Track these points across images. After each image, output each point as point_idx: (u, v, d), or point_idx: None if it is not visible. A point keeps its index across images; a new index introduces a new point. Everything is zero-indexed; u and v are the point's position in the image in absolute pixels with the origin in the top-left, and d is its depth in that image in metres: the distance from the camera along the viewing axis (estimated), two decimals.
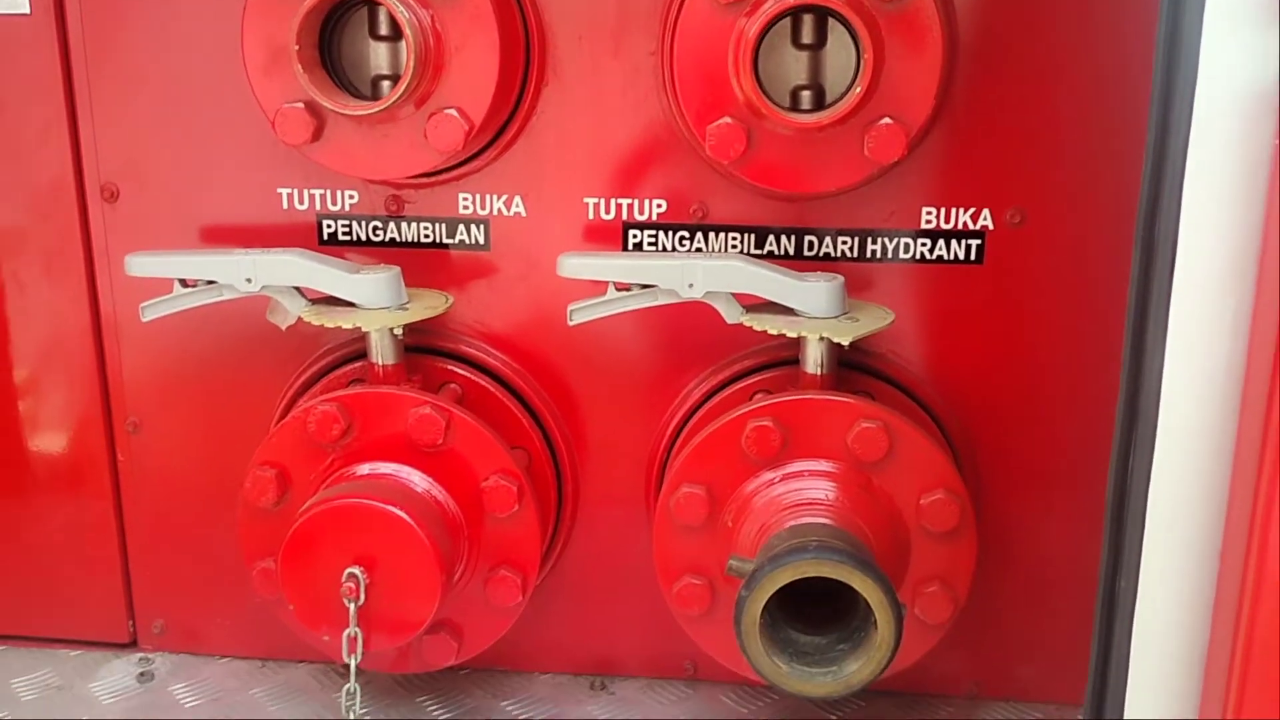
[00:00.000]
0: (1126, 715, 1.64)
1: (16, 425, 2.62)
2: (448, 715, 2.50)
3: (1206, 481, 1.51)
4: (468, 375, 2.43)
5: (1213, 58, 1.26)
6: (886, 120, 2.04)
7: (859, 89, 1.97)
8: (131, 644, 2.74)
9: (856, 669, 1.97)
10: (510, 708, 2.53)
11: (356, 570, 2.13)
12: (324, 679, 2.63)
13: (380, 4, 2.04)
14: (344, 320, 2.22)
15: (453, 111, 2.11)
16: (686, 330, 2.41)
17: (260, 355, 2.51)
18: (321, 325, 2.24)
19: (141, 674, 2.65)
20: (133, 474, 2.62)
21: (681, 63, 2.10)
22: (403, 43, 2.16)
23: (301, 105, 2.13)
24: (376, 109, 2.05)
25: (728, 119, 2.08)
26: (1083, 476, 2.41)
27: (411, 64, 2.03)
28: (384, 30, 2.18)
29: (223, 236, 2.45)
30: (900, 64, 2.01)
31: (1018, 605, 2.49)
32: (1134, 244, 1.43)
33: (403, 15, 2.00)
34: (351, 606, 2.14)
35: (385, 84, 2.21)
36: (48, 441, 2.62)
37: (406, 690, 2.56)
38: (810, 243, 2.35)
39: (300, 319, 2.33)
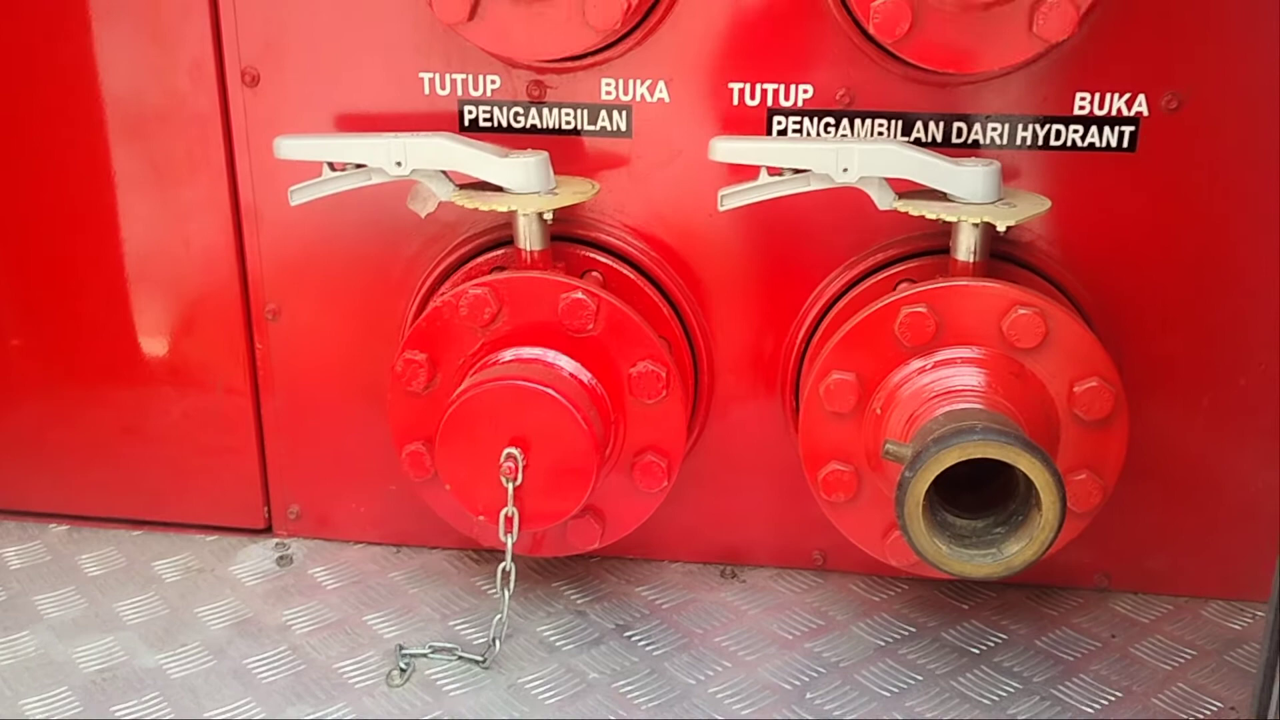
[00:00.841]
0: None
1: (157, 312, 2.65)
2: (584, 599, 2.55)
3: None
4: (608, 263, 2.43)
5: None
6: None
7: None
8: (266, 530, 2.80)
9: (1018, 550, 1.99)
10: (645, 593, 2.57)
11: (515, 451, 2.15)
12: (459, 563, 2.68)
13: None
14: (497, 204, 2.22)
15: None
16: (825, 221, 2.40)
17: (399, 242, 2.52)
18: (475, 208, 2.23)
19: (280, 558, 2.70)
20: (270, 361, 2.65)
21: None
22: None
23: None
24: None
25: None
26: (1228, 378, 2.40)
27: None
28: None
29: (363, 123, 2.45)
30: None
31: (1150, 499, 2.48)
32: None
33: None
34: (509, 486, 2.17)
35: None
36: (187, 328, 2.65)
37: (541, 575, 2.61)
38: (959, 129, 2.32)
39: (439, 206, 2.33)
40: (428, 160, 2.26)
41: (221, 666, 2.32)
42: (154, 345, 2.68)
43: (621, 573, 2.64)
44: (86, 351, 2.71)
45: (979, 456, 1.93)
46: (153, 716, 2.17)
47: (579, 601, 2.55)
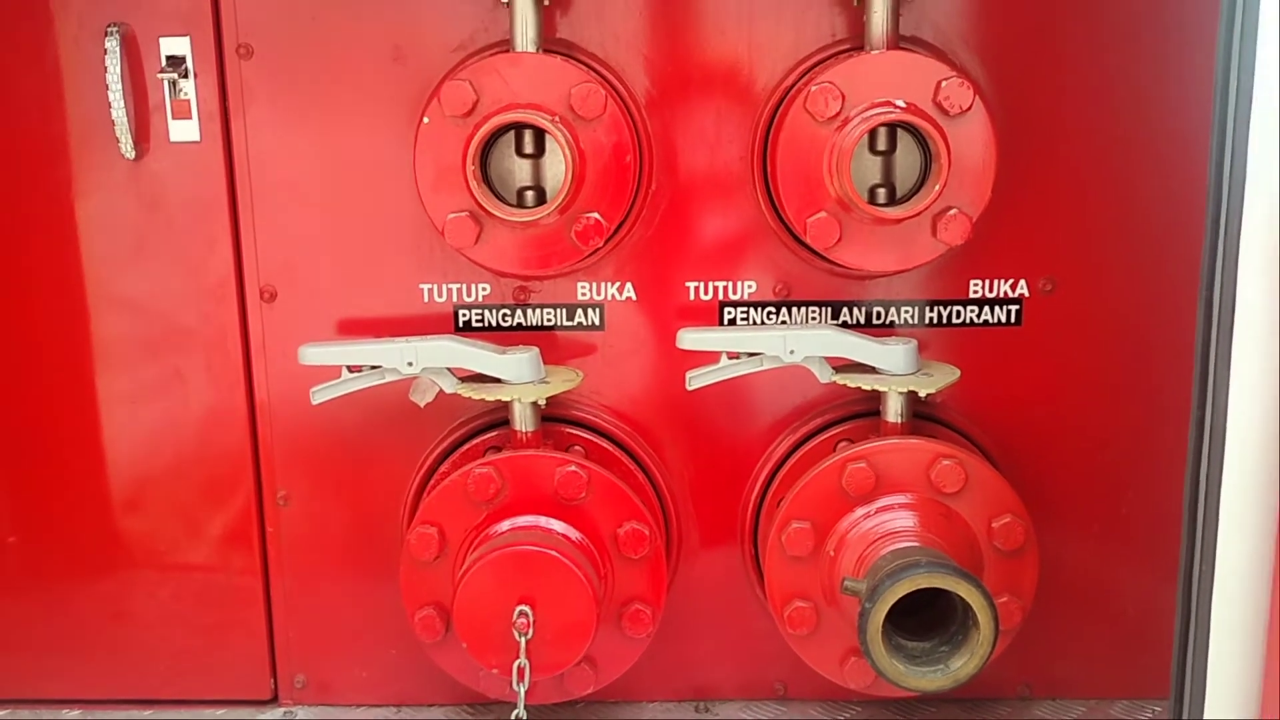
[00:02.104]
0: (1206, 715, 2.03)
1: (175, 499, 2.92)
2: None
3: (1266, 500, 1.93)
4: (589, 438, 2.81)
5: (1259, 155, 1.73)
6: (954, 211, 2.51)
7: (937, 186, 2.43)
8: (273, 700, 3.03)
9: (963, 664, 2.38)
10: None
11: (526, 608, 2.48)
12: (457, 719, 2.94)
13: (537, 127, 2.46)
14: (500, 394, 2.60)
15: (595, 216, 2.53)
16: (772, 393, 2.83)
17: (399, 431, 2.86)
18: (481, 399, 2.61)
19: None
20: (280, 543, 2.93)
21: (782, 168, 2.54)
22: (544, 159, 2.59)
23: (466, 214, 2.53)
24: (540, 216, 2.46)
25: (824, 213, 2.53)
26: (1111, 508, 2.87)
27: (568, 179, 2.44)
28: (529, 150, 2.59)
29: (368, 328, 2.81)
30: (964, 166, 2.48)
31: (1058, 616, 2.90)
32: (1198, 305, 1.88)
33: (562, 139, 2.42)
34: (522, 640, 2.49)
35: (529, 194, 2.62)
36: (204, 516, 2.93)
37: None
38: (879, 313, 2.79)
39: (439, 396, 2.70)
40: (436, 359, 2.64)
41: None
42: (171, 533, 2.94)
43: (605, 714, 2.94)
44: (102, 541, 2.95)
45: (925, 586, 2.33)
46: None
47: None
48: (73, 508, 2.94)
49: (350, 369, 2.67)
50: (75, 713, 2.99)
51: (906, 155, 2.61)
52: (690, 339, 2.63)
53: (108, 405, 2.89)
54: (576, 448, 2.78)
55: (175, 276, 2.80)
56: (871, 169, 2.61)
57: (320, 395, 2.68)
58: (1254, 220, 1.80)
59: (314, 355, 2.66)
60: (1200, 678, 2.00)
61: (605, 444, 2.81)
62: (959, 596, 2.34)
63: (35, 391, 2.87)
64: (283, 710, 2.99)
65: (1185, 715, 2.03)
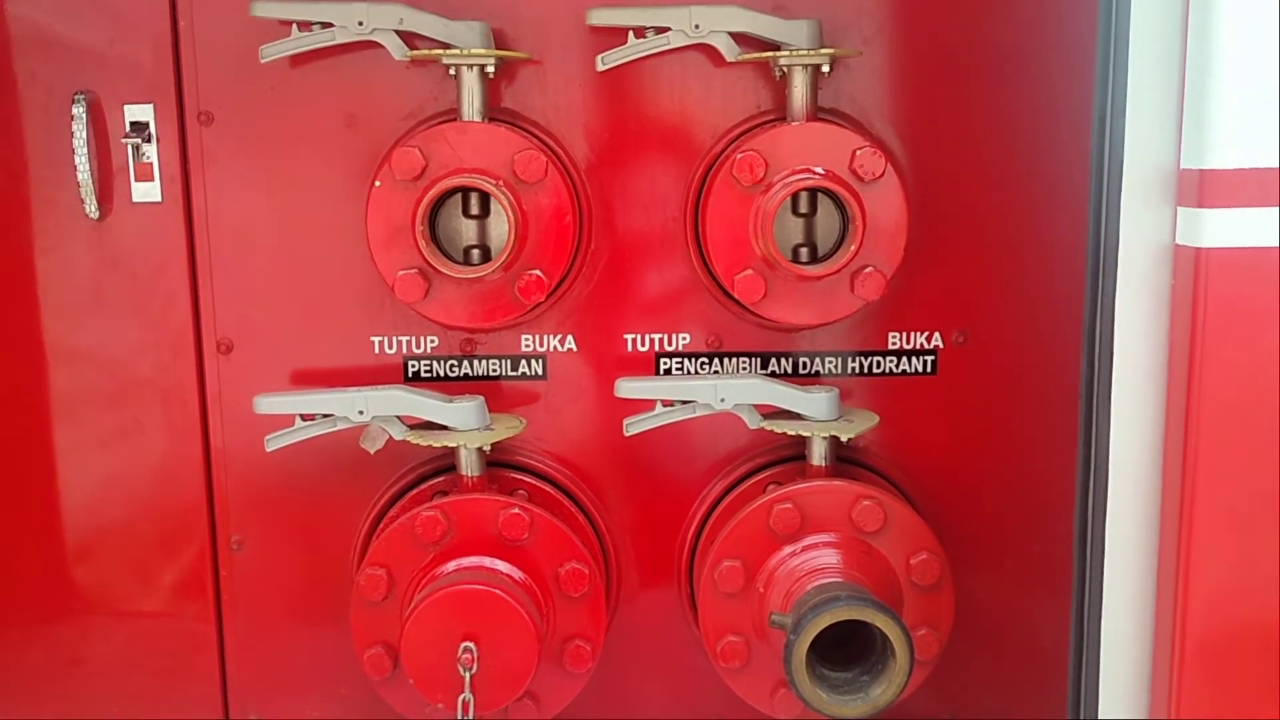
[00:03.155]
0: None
1: (130, 545, 3.03)
2: None
3: (1148, 527, 2.14)
4: (532, 482, 2.97)
5: (1130, 223, 1.95)
6: (870, 268, 2.71)
7: (853, 246, 2.63)
8: None
9: (882, 692, 2.54)
10: None
11: (471, 644, 2.62)
12: None
13: (482, 190, 2.63)
14: (447, 440, 2.75)
15: (537, 273, 2.70)
16: (704, 440, 3.00)
17: (349, 476, 2.99)
18: (429, 445, 2.75)
19: None
20: (233, 586, 3.04)
21: (711, 228, 2.73)
22: (489, 220, 2.77)
23: (415, 271, 2.69)
24: (485, 273, 2.63)
25: (750, 271, 2.72)
26: (1025, 547, 3.06)
27: (511, 239, 2.62)
28: (474, 211, 2.77)
29: (321, 379, 2.95)
30: (878, 227, 2.68)
31: (977, 649, 3.07)
32: (1081, 356, 2.09)
33: (506, 201, 2.59)
34: (467, 675, 2.62)
35: (475, 252, 2.79)
36: (160, 560, 3.03)
37: None
38: (804, 363, 2.98)
39: (389, 443, 2.84)
40: (386, 408, 2.78)
41: None
42: (127, 577, 3.04)
43: None
44: (57, 586, 3.05)
45: (845, 619, 2.50)
46: None
47: None
48: (29, 554, 3.04)
49: (304, 417, 2.80)
50: None
51: (826, 217, 2.81)
52: (628, 388, 2.80)
53: (66, 454, 3.00)
54: (520, 491, 2.93)
55: (135, 329, 2.93)
56: (794, 230, 2.80)
57: (275, 443, 2.81)
58: (1127, 274, 2.02)
59: (269, 405, 2.79)
60: (1093, 687, 2.20)
61: (548, 488, 2.96)
62: (877, 628, 2.51)
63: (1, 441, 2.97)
64: None
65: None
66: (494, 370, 2.97)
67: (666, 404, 2.80)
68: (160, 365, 2.95)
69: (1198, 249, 1.92)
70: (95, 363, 2.95)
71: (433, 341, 2.95)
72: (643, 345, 2.96)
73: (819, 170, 2.64)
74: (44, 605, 3.06)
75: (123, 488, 3.01)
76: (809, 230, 2.81)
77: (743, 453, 3.01)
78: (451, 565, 2.73)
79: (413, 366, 2.96)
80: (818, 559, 2.74)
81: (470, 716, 2.64)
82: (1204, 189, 1.91)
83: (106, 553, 3.05)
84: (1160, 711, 2.16)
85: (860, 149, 2.64)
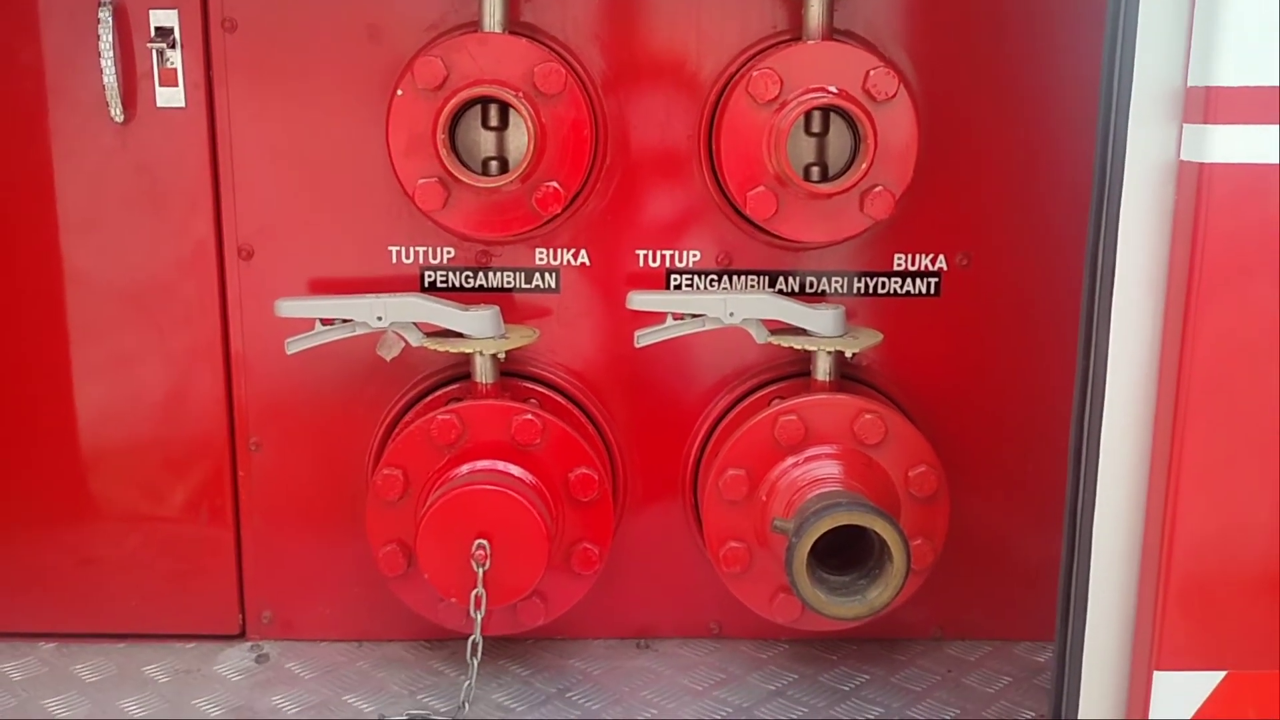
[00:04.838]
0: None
1: (149, 448, 3.11)
2: (527, 672, 3.07)
3: (1143, 448, 2.19)
4: (544, 392, 3.05)
5: (1137, 142, 2.02)
6: (879, 188, 2.78)
7: (864, 165, 2.69)
8: (240, 635, 3.23)
9: (879, 594, 2.65)
10: (576, 664, 3.12)
11: (484, 541, 2.71)
12: (416, 652, 3.17)
13: (502, 101, 2.69)
14: (464, 347, 2.83)
15: (554, 184, 2.77)
16: (712, 354, 3.08)
17: (365, 383, 3.07)
18: (445, 351, 2.83)
19: (258, 656, 3.14)
20: (251, 487, 3.13)
21: (725, 145, 2.79)
22: (507, 132, 2.82)
23: (435, 180, 2.76)
24: (504, 183, 2.69)
25: (762, 188, 2.78)
26: (1018, 467, 3.15)
27: (530, 150, 2.68)
28: (494, 123, 2.82)
29: (339, 287, 3.01)
30: (889, 147, 2.75)
31: (968, 566, 3.17)
32: (1084, 275, 2.17)
33: (526, 112, 2.65)
34: (480, 570, 2.72)
35: (493, 164, 2.84)
36: (180, 461, 3.11)
37: (488, 656, 3.09)
38: (811, 282, 3.06)
39: (402, 351, 2.92)
40: (404, 315, 2.85)
41: None
42: (149, 477, 3.12)
43: (554, 650, 3.18)
44: (81, 484, 3.13)
45: (845, 524, 2.59)
46: None
47: (523, 674, 3.07)
48: (48, 458, 3.11)
49: (323, 322, 2.87)
50: (50, 645, 3.16)
51: (838, 138, 2.87)
52: (639, 300, 2.88)
53: (85, 358, 3.07)
54: (532, 400, 3.01)
55: (157, 234, 2.99)
56: (807, 149, 2.86)
57: (295, 346, 2.88)
58: (1131, 191, 2.08)
59: (289, 308, 2.87)
60: (1080, 624, 2.28)
61: (558, 398, 3.05)
62: (875, 533, 2.61)
63: (16, 345, 3.04)
64: (250, 644, 3.19)
65: (1068, 657, 2.31)
66: (508, 283, 3.04)
67: (677, 317, 2.88)
68: (182, 270, 3.01)
69: (1201, 164, 1.99)
70: (117, 266, 3.01)
71: (449, 253, 3.01)
72: (654, 261, 3.03)
73: (833, 89, 2.70)
74: (61, 509, 3.14)
75: (143, 391, 3.08)
76: (821, 150, 2.87)
77: (748, 369, 3.10)
78: (465, 467, 2.82)
79: (429, 277, 3.02)
80: (819, 469, 2.83)
81: (482, 611, 2.74)
82: (1210, 106, 1.97)
83: (126, 455, 3.13)
84: (1144, 636, 2.22)
85: (874, 69, 2.70)
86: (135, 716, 2.85)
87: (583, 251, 3.02)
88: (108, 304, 3.04)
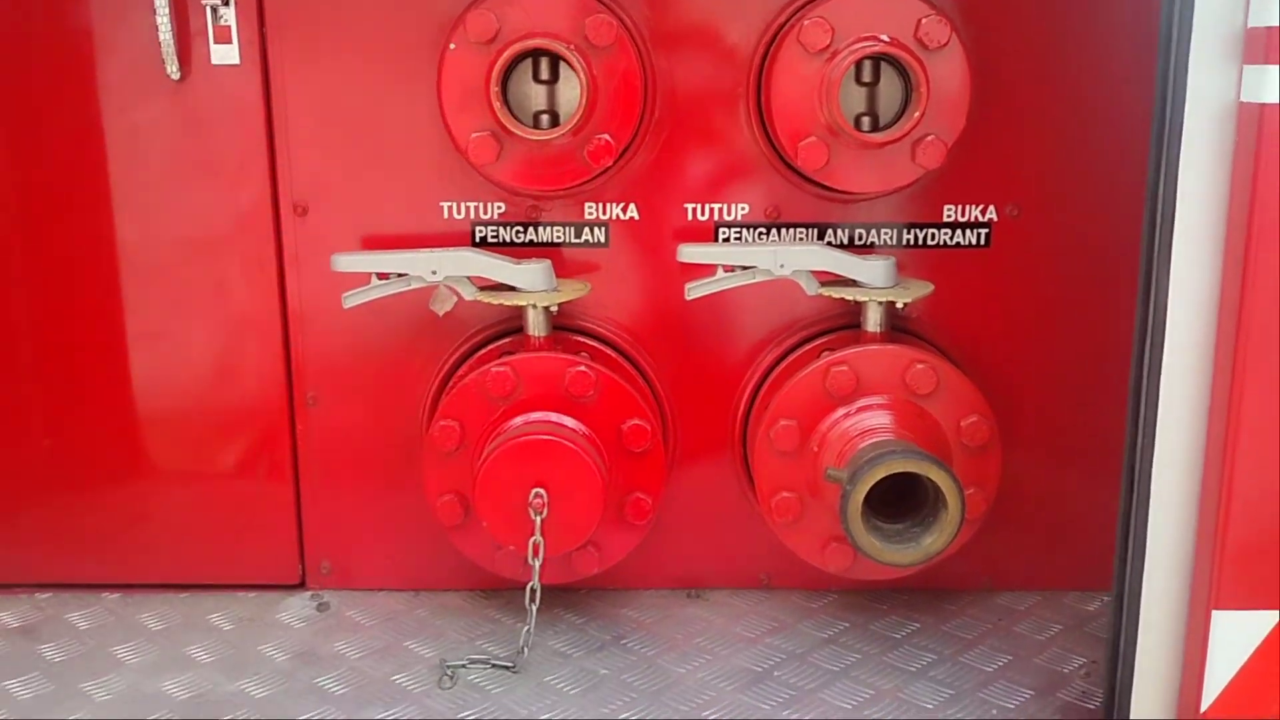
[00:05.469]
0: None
1: (209, 402, 3.17)
2: (581, 620, 3.12)
3: (1202, 398, 2.19)
4: (594, 345, 3.08)
5: (1197, 84, 2.01)
6: (931, 137, 2.77)
7: (917, 113, 2.69)
8: (300, 585, 3.30)
9: (933, 540, 2.67)
10: (629, 613, 3.17)
11: (542, 490, 2.75)
12: (471, 601, 3.22)
13: (554, 53, 2.71)
14: (518, 300, 2.86)
15: (605, 137, 2.79)
16: (760, 307, 3.09)
17: (418, 338, 3.11)
18: (499, 304, 2.87)
19: (319, 605, 3.21)
20: (309, 440, 3.19)
21: (775, 96, 2.79)
22: (558, 85, 2.84)
23: (488, 134, 2.78)
24: (557, 135, 2.72)
25: (813, 138, 2.79)
26: (1067, 421, 3.15)
27: (582, 102, 2.70)
28: (544, 76, 2.84)
29: (391, 243, 3.05)
30: (941, 96, 2.74)
31: (1018, 518, 3.18)
32: (1143, 220, 2.17)
33: (578, 64, 2.67)
34: (538, 519, 2.76)
35: (544, 118, 2.86)
36: (239, 415, 3.17)
37: (543, 605, 3.15)
38: (860, 234, 3.06)
39: (455, 306, 2.96)
40: (458, 269, 2.89)
41: (295, 686, 2.81)
42: (209, 430, 3.19)
43: (606, 600, 3.23)
44: (142, 436, 3.20)
45: (900, 470, 2.62)
46: None
47: (577, 622, 3.12)
48: (107, 414, 3.18)
49: (379, 276, 2.91)
50: (114, 595, 3.24)
51: (889, 88, 2.87)
52: (689, 252, 2.90)
53: (146, 316, 3.12)
54: (583, 353, 3.04)
55: (214, 192, 3.04)
56: (857, 99, 2.86)
57: (351, 300, 2.93)
58: (1191, 143, 2.08)
59: (346, 263, 2.91)
60: (1139, 567, 2.30)
61: (609, 351, 3.08)
62: (930, 480, 2.63)
63: (73, 303, 3.10)
64: (310, 593, 3.26)
65: (1125, 600, 2.33)
66: (557, 237, 3.06)
67: (727, 269, 2.90)
68: (239, 226, 3.06)
69: (1263, 105, 1.98)
70: (173, 224, 3.06)
71: (499, 208, 3.04)
72: (702, 215, 3.04)
73: (884, 38, 2.69)
74: (121, 466, 3.21)
75: (201, 348, 3.14)
76: (871, 100, 2.87)
77: (796, 322, 3.11)
78: (521, 418, 2.86)
79: (480, 232, 3.06)
80: (871, 419, 2.85)
81: (540, 558, 2.78)
82: (1271, 46, 1.96)
83: (185, 412, 3.19)
84: (1203, 577, 2.23)
85: (925, 17, 2.69)
86: (203, 661, 2.91)
87: (631, 206, 3.04)
88: (164, 262, 3.09)
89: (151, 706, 2.71)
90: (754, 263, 2.88)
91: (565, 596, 3.19)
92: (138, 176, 3.04)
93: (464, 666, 2.87)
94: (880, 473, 2.60)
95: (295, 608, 3.19)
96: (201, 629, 3.07)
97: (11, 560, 3.24)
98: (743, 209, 3.04)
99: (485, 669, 2.87)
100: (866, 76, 2.84)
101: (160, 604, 3.19)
